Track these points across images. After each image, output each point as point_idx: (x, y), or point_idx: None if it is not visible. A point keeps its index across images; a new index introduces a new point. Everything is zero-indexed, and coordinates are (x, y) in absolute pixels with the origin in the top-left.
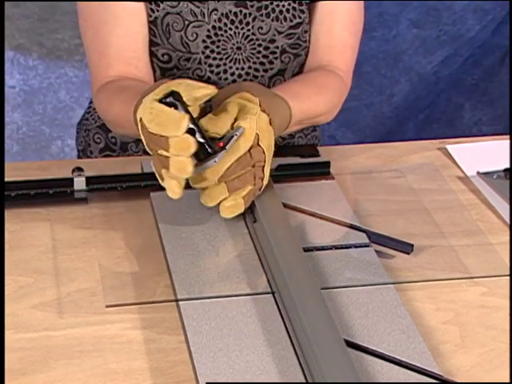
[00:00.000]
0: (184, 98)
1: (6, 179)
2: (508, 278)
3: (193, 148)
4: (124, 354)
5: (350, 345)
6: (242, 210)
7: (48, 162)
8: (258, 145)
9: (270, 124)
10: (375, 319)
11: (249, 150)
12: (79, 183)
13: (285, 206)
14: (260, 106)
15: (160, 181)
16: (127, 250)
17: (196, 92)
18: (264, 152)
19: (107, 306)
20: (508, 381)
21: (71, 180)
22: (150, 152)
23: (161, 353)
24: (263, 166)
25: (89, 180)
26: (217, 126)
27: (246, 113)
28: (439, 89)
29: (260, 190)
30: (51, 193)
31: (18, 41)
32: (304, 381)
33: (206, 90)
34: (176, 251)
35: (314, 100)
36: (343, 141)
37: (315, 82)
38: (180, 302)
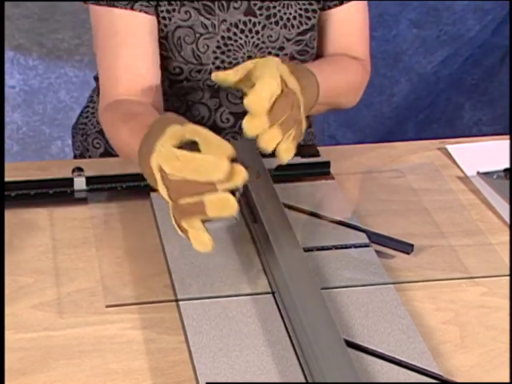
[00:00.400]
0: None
1: (6, 179)
2: (508, 278)
3: (245, 174)
4: (124, 354)
5: (350, 345)
6: (293, 154)
7: (48, 162)
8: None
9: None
10: (375, 319)
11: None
12: (79, 183)
13: (285, 205)
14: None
15: (180, 232)
16: (127, 250)
17: (213, 151)
18: (295, 93)
19: (107, 306)
20: (508, 381)
21: (71, 180)
22: (169, 201)
23: (161, 353)
24: (299, 108)
25: (89, 180)
26: (227, 78)
27: (262, 66)
28: (439, 89)
29: (300, 136)
30: (51, 193)
31: (18, 41)
32: (304, 381)
33: (224, 152)
34: (176, 251)
35: (336, 78)
36: (343, 141)
37: (337, 62)
38: (180, 302)
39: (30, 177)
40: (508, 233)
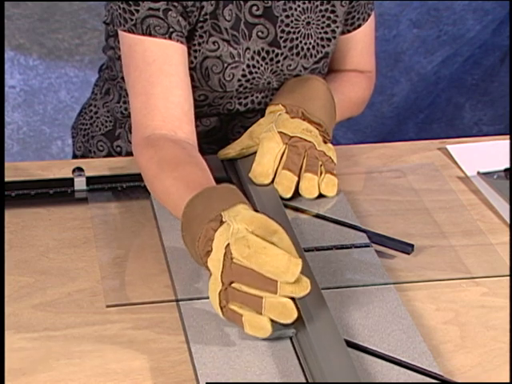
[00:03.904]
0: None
1: (7, 179)
2: (508, 278)
3: (309, 288)
4: (124, 354)
5: (351, 345)
6: (317, 191)
7: (48, 162)
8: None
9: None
10: (376, 319)
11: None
12: (80, 183)
13: (285, 206)
14: (287, 112)
15: (221, 315)
16: (128, 250)
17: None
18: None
19: (108, 306)
20: (508, 381)
21: (72, 180)
22: (219, 281)
23: (161, 353)
24: (313, 146)
25: (89, 180)
26: (228, 155)
27: (262, 139)
28: (439, 89)
29: (332, 162)
30: (52, 193)
31: (19, 41)
32: (304, 381)
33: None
34: (176, 251)
35: (348, 95)
36: (344, 141)
37: (349, 80)
38: (180, 302)
39: (30, 177)
40: (508, 233)
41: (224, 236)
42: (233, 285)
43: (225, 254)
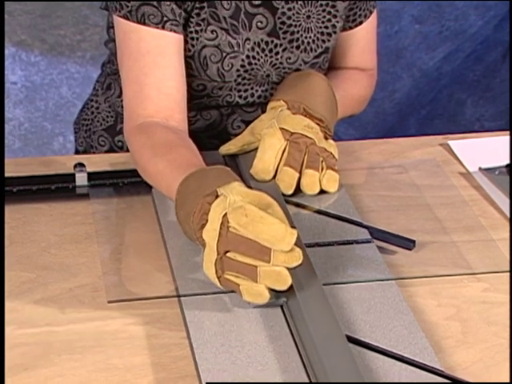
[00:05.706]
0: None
1: (8, 175)
2: (509, 273)
3: (300, 260)
4: (126, 350)
5: (352, 340)
6: (318, 187)
7: (50, 158)
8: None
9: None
10: (377, 315)
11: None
12: (81, 179)
13: (287, 202)
14: (289, 108)
15: (218, 284)
16: (129, 246)
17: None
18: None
19: (109, 302)
20: (509, 376)
21: (73, 176)
22: (215, 253)
23: (163, 348)
24: (314, 143)
25: (90, 176)
26: (229, 150)
27: (264, 135)
28: (441, 85)
29: (333, 158)
30: (53, 188)
31: (20, 37)
32: (306, 376)
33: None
34: (178, 247)
35: (350, 92)
36: (345, 137)
37: (351, 77)
38: (182, 298)
39: (31, 172)
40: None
41: (221, 206)
42: (227, 254)
43: (221, 223)
